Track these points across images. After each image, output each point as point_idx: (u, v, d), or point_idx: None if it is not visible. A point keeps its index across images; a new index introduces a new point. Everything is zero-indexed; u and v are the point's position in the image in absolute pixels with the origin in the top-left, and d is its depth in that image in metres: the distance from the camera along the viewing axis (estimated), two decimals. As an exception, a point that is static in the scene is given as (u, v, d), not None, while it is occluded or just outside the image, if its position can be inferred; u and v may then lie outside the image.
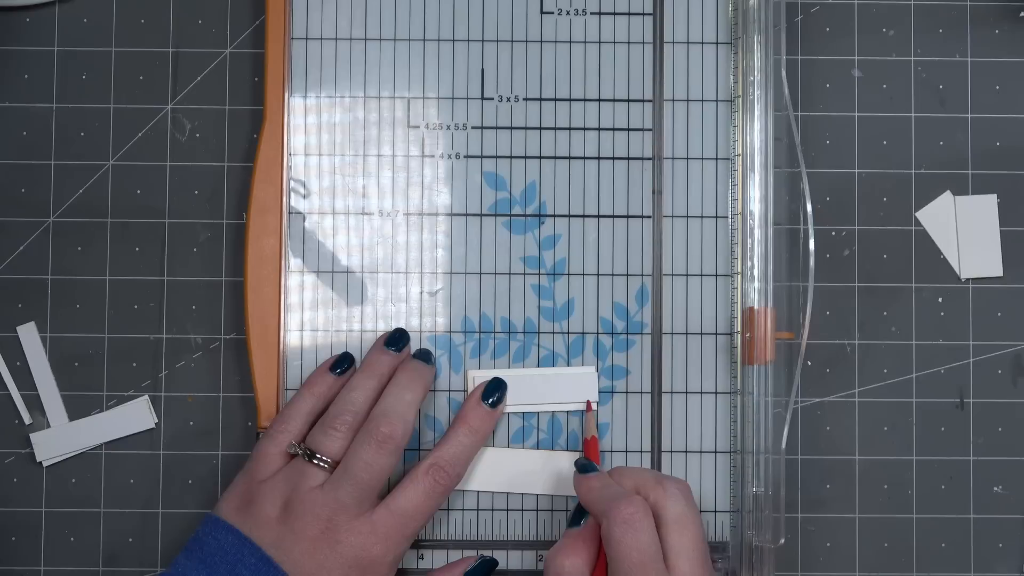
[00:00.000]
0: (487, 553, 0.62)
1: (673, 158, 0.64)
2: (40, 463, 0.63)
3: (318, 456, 0.58)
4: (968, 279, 0.65)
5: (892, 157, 0.65)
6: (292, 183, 0.63)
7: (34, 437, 0.63)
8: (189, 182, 0.64)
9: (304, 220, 0.63)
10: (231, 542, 0.57)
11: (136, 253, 0.64)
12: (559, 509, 0.63)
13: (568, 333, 0.63)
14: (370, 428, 0.58)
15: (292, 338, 0.63)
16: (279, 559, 0.57)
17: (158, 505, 0.63)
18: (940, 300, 0.64)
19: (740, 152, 0.63)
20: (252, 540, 0.57)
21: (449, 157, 0.64)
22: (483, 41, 0.64)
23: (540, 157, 0.64)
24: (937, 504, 0.64)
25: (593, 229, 0.64)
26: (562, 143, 0.64)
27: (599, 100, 0.64)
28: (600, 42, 0.64)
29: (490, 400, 0.61)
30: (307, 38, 0.64)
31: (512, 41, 0.64)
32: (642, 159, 0.64)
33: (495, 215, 0.64)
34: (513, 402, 0.63)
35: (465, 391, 0.63)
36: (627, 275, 0.64)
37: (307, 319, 0.63)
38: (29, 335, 0.64)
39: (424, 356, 0.62)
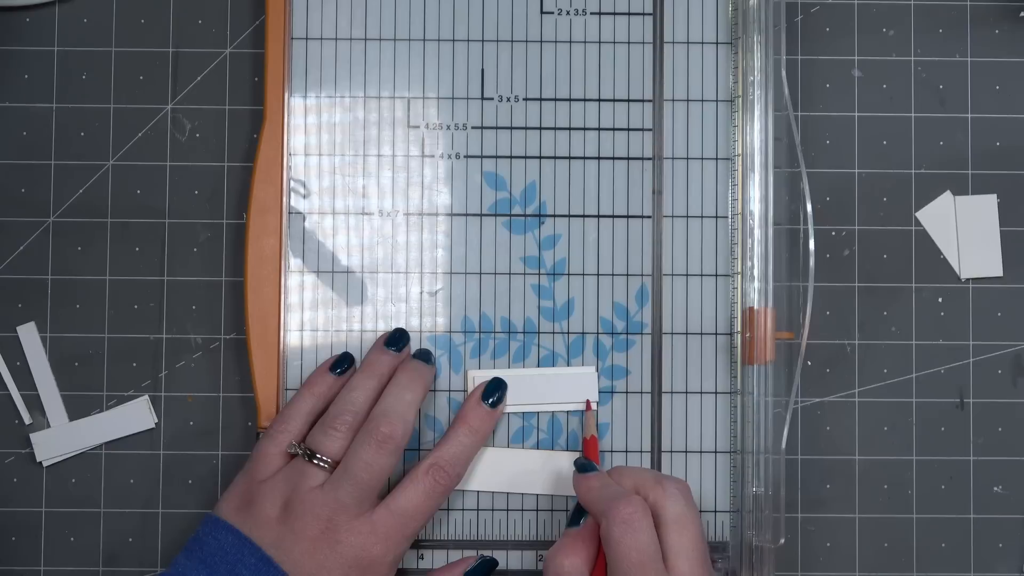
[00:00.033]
0: (487, 553, 0.62)
1: (673, 158, 0.64)
2: (40, 463, 0.63)
3: (318, 456, 0.58)
4: (968, 279, 0.65)
5: (892, 157, 0.65)
6: (292, 183, 0.63)
7: (34, 437, 0.63)
8: (189, 182, 0.64)
9: (304, 220, 0.63)
10: (231, 542, 0.57)
11: (136, 253, 0.64)
12: (559, 509, 0.63)
13: (568, 333, 0.63)
14: (370, 428, 0.58)
15: (292, 338, 0.63)
16: (279, 559, 0.57)
17: (158, 505, 0.63)
18: (940, 300, 0.64)
19: (740, 152, 0.63)
20: (252, 540, 0.57)
21: (449, 157, 0.64)
22: (483, 41, 0.64)
23: (540, 157, 0.64)
24: (937, 504, 0.64)
25: (593, 229, 0.64)
26: (562, 143, 0.64)
27: (599, 100, 0.64)
28: (600, 42, 0.64)
29: (490, 400, 0.61)
30: (307, 38, 0.64)
31: (512, 41, 0.64)
32: (642, 159, 0.64)
33: (495, 215, 0.64)
34: (513, 402, 0.63)
35: (465, 391, 0.63)
36: (627, 275, 0.64)
37: (307, 319, 0.63)
38: (29, 335, 0.64)
39: (424, 356, 0.62)
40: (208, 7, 0.64)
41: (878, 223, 0.65)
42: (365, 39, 0.64)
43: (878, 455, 0.64)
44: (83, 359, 0.64)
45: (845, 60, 0.65)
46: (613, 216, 0.64)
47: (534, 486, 0.63)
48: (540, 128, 0.64)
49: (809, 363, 0.64)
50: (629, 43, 0.64)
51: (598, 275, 0.63)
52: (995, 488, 0.64)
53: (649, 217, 0.64)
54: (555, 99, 0.64)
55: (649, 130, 0.64)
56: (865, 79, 0.65)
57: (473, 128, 0.64)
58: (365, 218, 0.63)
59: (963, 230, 0.65)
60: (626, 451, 0.63)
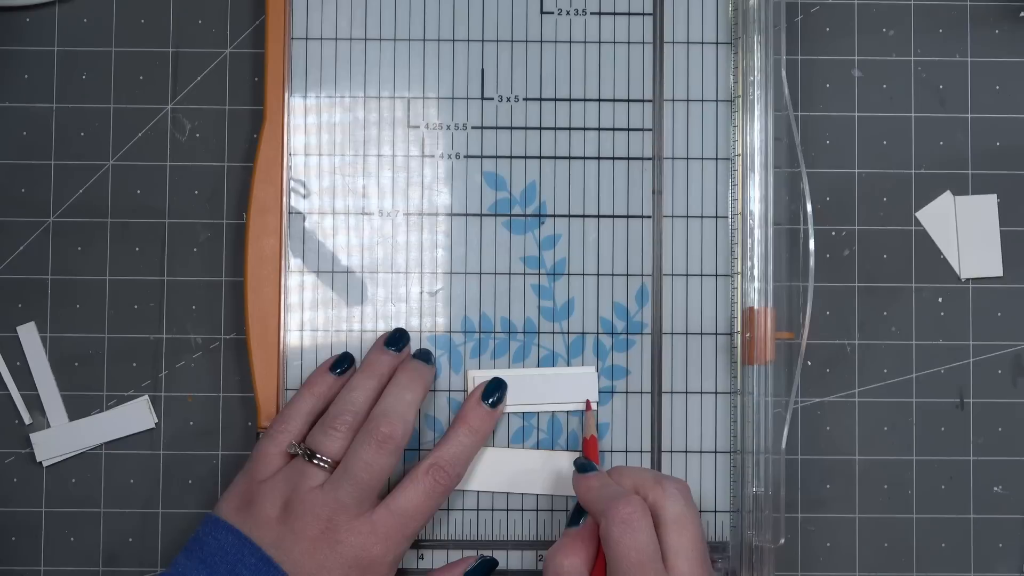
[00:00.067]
0: (487, 553, 0.62)
1: (673, 158, 0.64)
2: (40, 463, 0.63)
3: (318, 456, 0.58)
4: (968, 279, 0.65)
5: (892, 157, 0.65)
6: (292, 183, 0.63)
7: (34, 437, 0.63)
8: (189, 182, 0.64)
9: (304, 220, 0.63)
10: (231, 542, 0.57)
11: (136, 253, 0.64)
12: (559, 509, 0.63)
13: (568, 333, 0.63)
14: (370, 428, 0.58)
15: (292, 338, 0.63)
16: (279, 559, 0.57)
17: (158, 505, 0.63)
18: (940, 300, 0.64)
19: (740, 152, 0.63)
20: (252, 540, 0.57)
21: (449, 157, 0.64)
22: (483, 41, 0.64)
23: (540, 157, 0.64)
24: (937, 504, 0.64)
25: (593, 229, 0.64)
26: (562, 143, 0.64)
27: (599, 100, 0.64)
28: (600, 42, 0.64)
29: (490, 400, 0.61)
30: (307, 38, 0.64)
31: (512, 41, 0.64)
32: (642, 159, 0.64)
33: (495, 215, 0.64)
34: (513, 402, 0.63)
35: (465, 391, 0.63)
36: (627, 275, 0.64)
37: (307, 319, 0.63)
38: (29, 335, 0.64)
39: (424, 356, 0.62)
40: (208, 7, 0.64)
41: (878, 223, 0.65)
42: (365, 39, 0.64)
43: (878, 455, 0.64)
44: (83, 359, 0.64)
45: (845, 60, 0.65)
46: (613, 216, 0.64)
47: (534, 486, 0.63)
48: (540, 128, 0.64)
49: (809, 363, 0.64)
50: (629, 43, 0.64)
51: (598, 275, 0.64)
52: (995, 488, 0.64)
53: (649, 217, 0.64)
54: (555, 99, 0.64)
55: (649, 130, 0.64)
56: (865, 79, 0.65)
57: (473, 128, 0.64)
58: (365, 218, 0.63)
59: (963, 230, 0.65)
60: (626, 451, 0.63)
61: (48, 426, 0.63)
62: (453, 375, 0.63)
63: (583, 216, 0.64)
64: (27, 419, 0.63)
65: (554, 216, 0.64)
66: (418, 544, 0.63)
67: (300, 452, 0.58)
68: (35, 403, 0.64)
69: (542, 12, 0.64)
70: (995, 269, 0.64)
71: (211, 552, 0.57)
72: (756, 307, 0.61)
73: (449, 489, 0.59)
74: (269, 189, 0.62)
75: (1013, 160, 0.65)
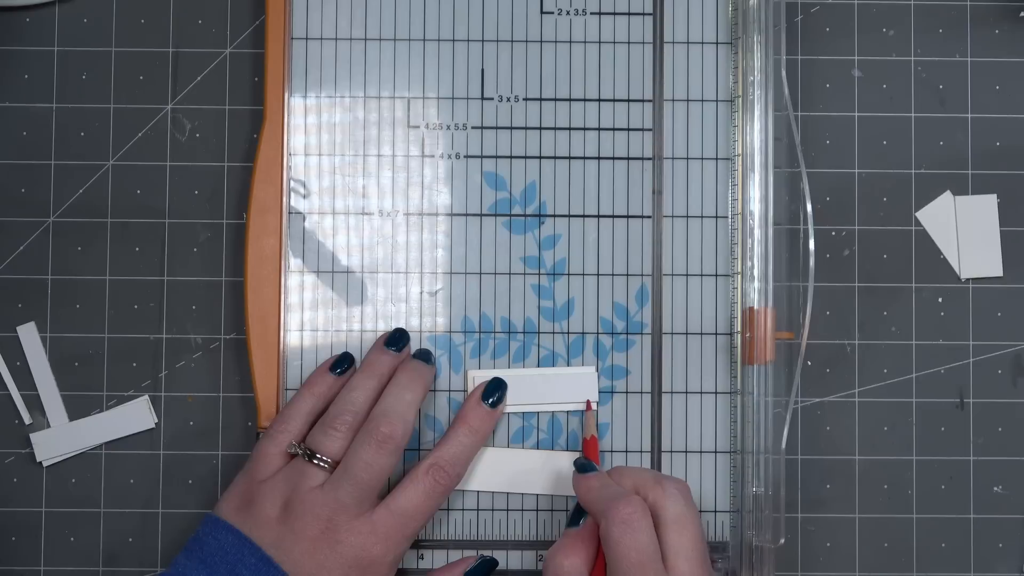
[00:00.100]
0: (487, 553, 0.62)
1: (673, 158, 0.64)
2: (40, 463, 0.63)
3: (318, 456, 0.58)
4: (968, 279, 0.65)
5: (892, 157, 0.65)
6: (292, 183, 0.63)
7: (34, 437, 0.63)
8: (189, 182, 0.64)
9: (304, 220, 0.63)
10: (231, 542, 0.57)
11: (136, 253, 0.64)
12: (559, 509, 0.63)
13: (568, 333, 0.63)
14: (370, 428, 0.58)
15: (292, 338, 0.63)
16: (279, 559, 0.57)
17: (158, 505, 0.63)
18: (940, 300, 0.64)
19: (740, 152, 0.63)
20: (252, 540, 0.57)
21: (449, 157, 0.64)
22: (483, 41, 0.64)
23: (540, 157, 0.64)
24: (937, 504, 0.64)
25: (593, 229, 0.64)
26: (562, 143, 0.64)
27: (599, 100, 0.64)
28: (600, 42, 0.64)
29: (490, 400, 0.61)
30: (307, 38, 0.64)
31: (512, 41, 0.64)
32: (642, 159, 0.64)
33: (495, 215, 0.64)
34: (513, 402, 0.63)
35: (465, 391, 0.63)
36: (627, 275, 0.64)
37: (307, 319, 0.63)
38: (29, 335, 0.64)
39: (424, 356, 0.62)
40: (208, 7, 0.64)
41: (878, 223, 0.65)
42: (365, 39, 0.64)
43: (878, 455, 0.64)
44: (83, 359, 0.64)
45: (845, 60, 0.65)
46: (613, 216, 0.64)
47: (534, 486, 0.63)
48: (540, 128, 0.64)
49: (809, 363, 0.64)
50: (629, 43, 0.64)
51: (598, 275, 0.64)
52: (995, 488, 0.64)
53: (649, 217, 0.64)
54: (555, 99, 0.64)
55: (649, 130, 0.64)
56: (865, 79, 0.65)
57: (473, 128, 0.64)
58: (365, 218, 0.63)
59: (963, 230, 0.65)
60: (626, 451, 0.63)
61: (48, 426, 0.63)
62: (453, 375, 0.63)
63: (583, 216, 0.64)
64: (27, 419, 0.63)
65: (554, 216, 0.64)
66: (418, 544, 0.63)
67: (300, 452, 0.58)
68: (35, 403, 0.64)
69: (542, 12, 0.64)
70: (995, 269, 0.64)
71: (211, 552, 0.57)
72: (756, 307, 0.61)
73: (449, 489, 0.59)
74: (269, 189, 0.62)
75: (1013, 160, 0.65)
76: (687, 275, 0.63)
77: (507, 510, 0.63)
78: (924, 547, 0.64)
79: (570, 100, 0.64)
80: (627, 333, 0.63)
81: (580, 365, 0.63)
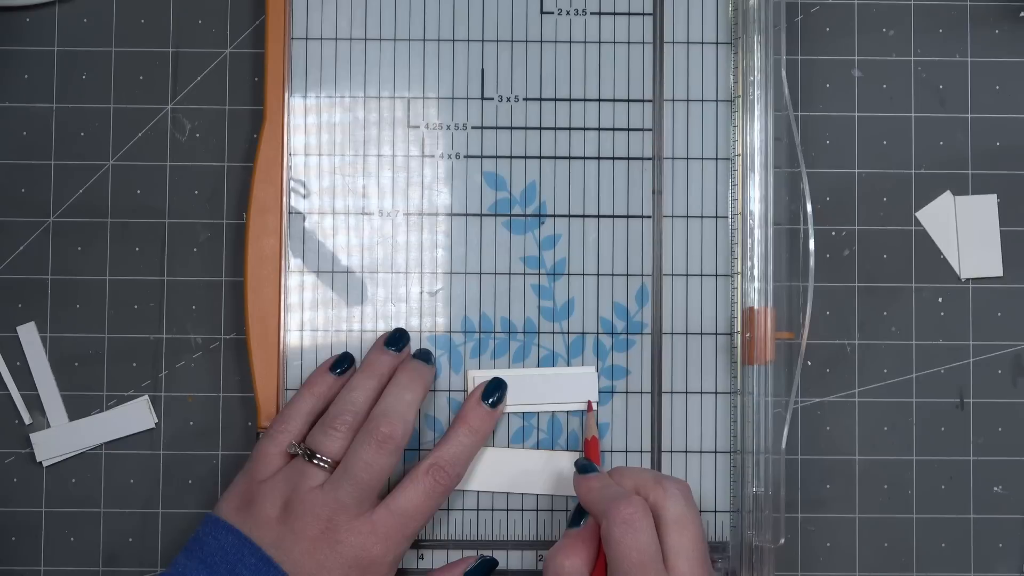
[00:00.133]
0: (487, 553, 0.62)
1: (673, 158, 0.64)
2: (40, 463, 0.63)
3: (318, 456, 0.58)
4: (968, 279, 0.65)
5: (892, 157, 0.65)
6: (292, 183, 0.63)
7: (34, 437, 0.63)
8: (189, 182, 0.64)
9: (304, 220, 0.63)
10: (231, 542, 0.57)
11: (136, 253, 0.64)
12: (559, 509, 0.63)
13: (568, 333, 0.63)
14: (370, 428, 0.58)
15: (292, 338, 0.63)
16: (279, 559, 0.57)
17: (158, 505, 0.63)
18: (940, 300, 0.64)
19: (740, 152, 0.63)
20: (252, 540, 0.57)
21: (449, 157, 0.64)
22: (483, 41, 0.64)
23: (540, 157, 0.64)
24: (937, 504, 0.64)
25: (593, 229, 0.64)
26: (562, 143, 0.64)
27: (599, 100, 0.64)
28: (600, 42, 0.64)
29: (490, 400, 0.61)
30: (307, 38, 0.64)
31: (512, 41, 0.64)
32: (642, 159, 0.64)
33: (495, 215, 0.64)
34: (513, 402, 0.63)
35: (465, 391, 0.63)
36: (627, 275, 0.64)
37: (307, 319, 0.63)
38: (29, 335, 0.64)
39: (424, 356, 0.62)
40: (208, 7, 0.64)
41: (878, 223, 0.65)
42: (365, 39, 0.64)
43: (878, 455, 0.64)
44: (83, 359, 0.64)
45: (845, 60, 0.65)
46: (613, 216, 0.64)
47: (534, 486, 0.63)
48: (540, 128, 0.64)
49: (809, 363, 0.64)
50: (629, 43, 0.64)
51: (598, 275, 0.63)
52: (995, 488, 0.64)
53: (649, 217, 0.64)
54: (555, 99, 0.64)
55: (649, 130, 0.64)
56: (865, 79, 0.65)
57: (473, 128, 0.64)
58: (365, 218, 0.63)
59: (963, 230, 0.65)
60: (626, 451, 0.63)
61: (48, 426, 0.63)
62: (453, 375, 0.63)
63: (583, 216, 0.64)
64: (27, 419, 0.63)
65: (554, 216, 0.64)
66: (418, 544, 0.63)
67: (300, 452, 0.58)
68: (35, 403, 0.64)
69: (542, 12, 0.64)
70: (995, 269, 0.64)
71: (211, 552, 0.57)
72: (756, 307, 0.61)
73: (449, 489, 0.59)
74: (269, 189, 0.62)
75: (1013, 160, 0.65)
76: (687, 275, 0.63)
77: (507, 510, 0.63)
78: (924, 547, 0.64)
79: (570, 100, 0.64)
80: (627, 333, 0.63)
81: (580, 365, 0.63)
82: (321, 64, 0.64)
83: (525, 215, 0.64)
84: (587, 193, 0.64)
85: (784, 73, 0.62)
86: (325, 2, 0.64)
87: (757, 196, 0.61)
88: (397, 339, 0.62)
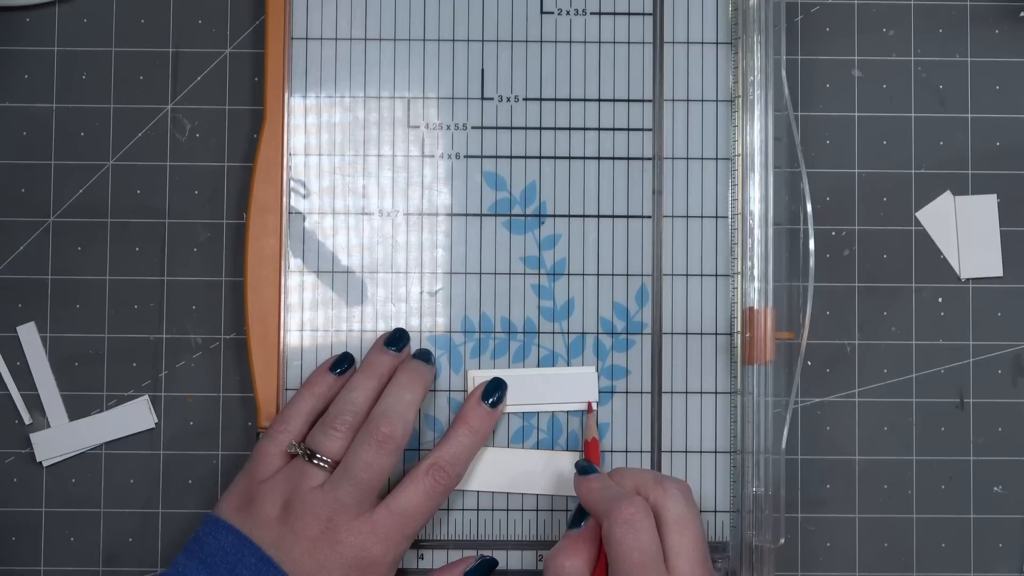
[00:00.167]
0: (487, 553, 0.62)
1: (673, 158, 0.64)
2: (40, 463, 0.63)
3: (318, 456, 0.58)
4: (968, 279, 0.65)
5: (892, 157, 0.65)
6: (292, 183, 0.63)
7: (34, 437, 0.63)
8: (189, 182, 0.64)
9: (304, 220, 0.63)
10: (231, 542, 0.57)
11: (136, 253, 0.64)
12: (559, 509, 0.63)
13: (568, 333, 0.63)
14: (370, 428, 0.58)
15: (292, 338, 0.63)
16: (279, 559, 0.57)
17: (158, 505, 0.63)
18: (940, 300, 0.64)
19: (740, 152, 0.63)
20: (252, 540, 0.57)
21: (449, 157, 0.64)
22: (483, 41, 0.64)
23: (540, 157, 0.64)
24: (937, 504, 0.64)
25: (593, 229, 0.64)
26: (562, 143, 0.64)
27: (599, 100, 0.64)
28: (600, 42, 0.64)
29: (490, 400, 0.61)
30: (307, 38, 0.64)
31: (512, 41, 0.64)
32: (642, 159, 0.64)
33: (495, 215, 0.64)
34: (513, 402, 0.63)
35: (465, 391, 0.63)
36: (627, 275, 0.64)
37: (307, 319, 0.63)
38: (29, 335, 0.64)
39: (424, 356, 0.62)
40: (208, 7, 0.64)
41: (878, 223, 0.65)
42: (365, 39, 0.64)
43: (878, 455, 0.64)
44: (83, 359, 0.64)
45: (845, 60, 0.65)
46: (613, 216, 0.64)
47: (534, 486, 0.63)
48: (540, 128, 0.64)
49: (809, 363, 0.64)
50: (629, 43, 0.64)
51: (598, 275, 0.64)
52: (995, 488, 0.64)
53: (649, 217, 0.64)
54: (555, 99, 0.64)
55: (649, 130, 0.64)
56: (865, 79, 0.65)
57: (473, 128, 0.64)
58: (365, 218, 0.63)
59: (963, 230, 0.65)
60: (626, 451, 0.63)
61: (48, 426, 0.63)
62: (453, 375, 0.63)
63: (583, 216, 0.64)
64: (27, 419, 0.63)
65: (554, 216, 0.64)
66: (418, 544, 0.63)
67: (300, 452, 0.58)
68: (35, 403, 0.64)
69: (542, 12, 0.64)
70: (995, 269, 0.64)
71: (211, 552, 0.57)
72: (756, 307, 0.61)
73: (449, 489, 0.59)
74: (269, 189, 0.62)
75: (1013, 160, 0.65)
76: (687, 275, 0.63)
77: (507, 510, 0.63)
78: (924, 547, 0.64)
79: (570, 100, 0.64)
80: (627, 333, 0.63)
81: (580, 365, 0.63)
82: (321, 64, 0.64)
83: (525, 215, 0.64)
84: (587, 193, 0.64)
85: (784, 73, 0.62)
86: (325, 2, 0.64)
87: (757, 196, 0.61)
88: (397, 339, 0.62)
